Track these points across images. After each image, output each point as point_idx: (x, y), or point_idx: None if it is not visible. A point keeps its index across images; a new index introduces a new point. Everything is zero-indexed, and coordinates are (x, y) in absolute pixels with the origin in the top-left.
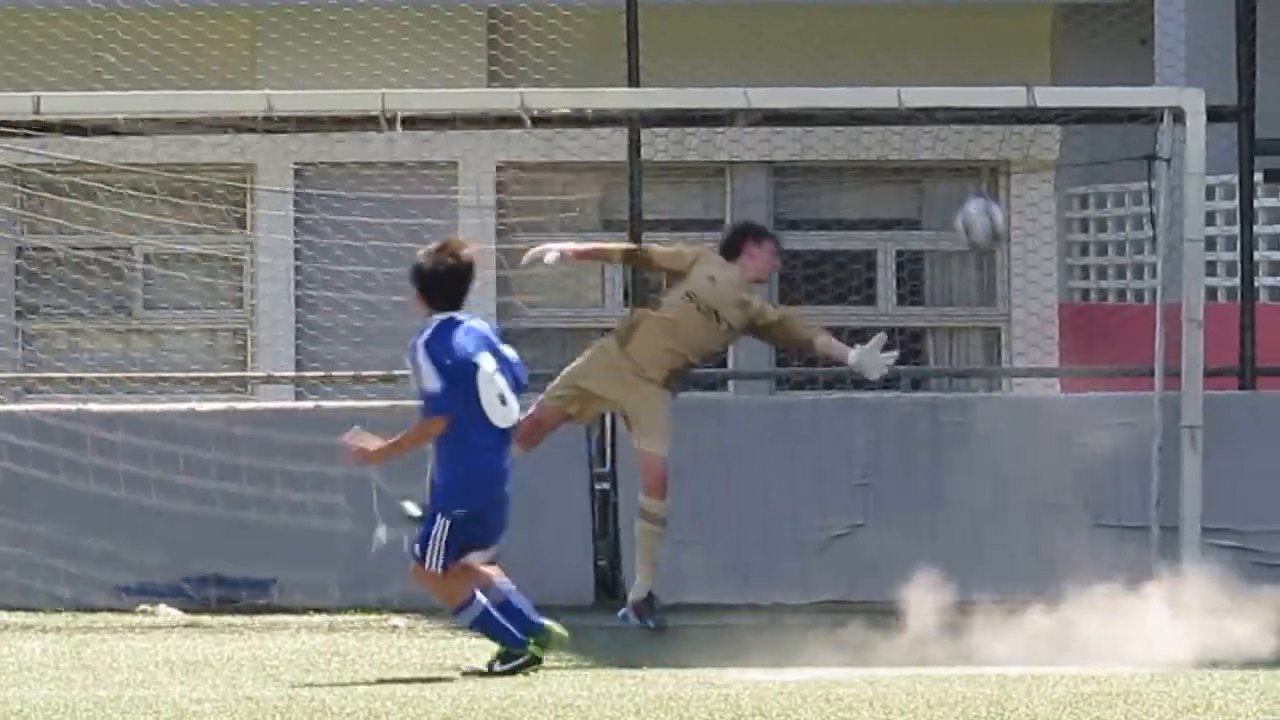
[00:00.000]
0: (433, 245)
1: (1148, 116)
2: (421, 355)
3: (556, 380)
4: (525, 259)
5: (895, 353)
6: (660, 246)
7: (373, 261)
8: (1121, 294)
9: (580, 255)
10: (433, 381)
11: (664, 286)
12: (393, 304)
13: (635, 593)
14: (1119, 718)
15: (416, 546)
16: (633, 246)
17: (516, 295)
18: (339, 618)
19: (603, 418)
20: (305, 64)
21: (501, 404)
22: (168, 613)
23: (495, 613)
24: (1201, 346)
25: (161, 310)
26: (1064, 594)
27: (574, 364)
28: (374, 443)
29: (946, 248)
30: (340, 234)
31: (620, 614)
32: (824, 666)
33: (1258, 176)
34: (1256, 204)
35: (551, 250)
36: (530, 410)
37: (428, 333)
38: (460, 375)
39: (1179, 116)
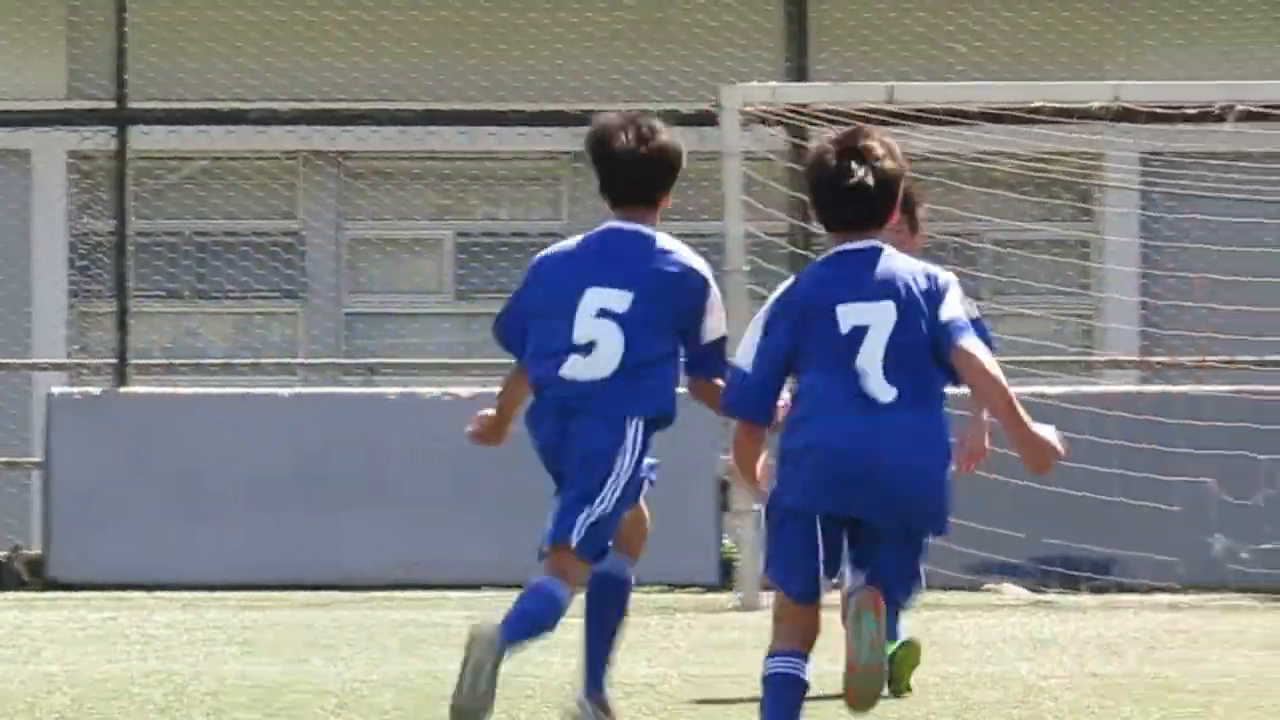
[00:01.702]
0: None
1: None
2: None
3: None
4: None
5: None
6: None
7: (1221, 251)
8: None
9: None
10: None
11: None
12: (1239, 291)
13: None
14: None
15: None
16: None
17: None
18: (1181, 597)
19: None
20: (1154, 55)
21: None
22: (1014, 591)
23: None
24: None
25: (1009, 295)
26: None
27: None
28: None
29: None
30: (1186, 223)
31: None
32: None
33: None
34: None
35: None
36: None
37: None
38: None
39: None
